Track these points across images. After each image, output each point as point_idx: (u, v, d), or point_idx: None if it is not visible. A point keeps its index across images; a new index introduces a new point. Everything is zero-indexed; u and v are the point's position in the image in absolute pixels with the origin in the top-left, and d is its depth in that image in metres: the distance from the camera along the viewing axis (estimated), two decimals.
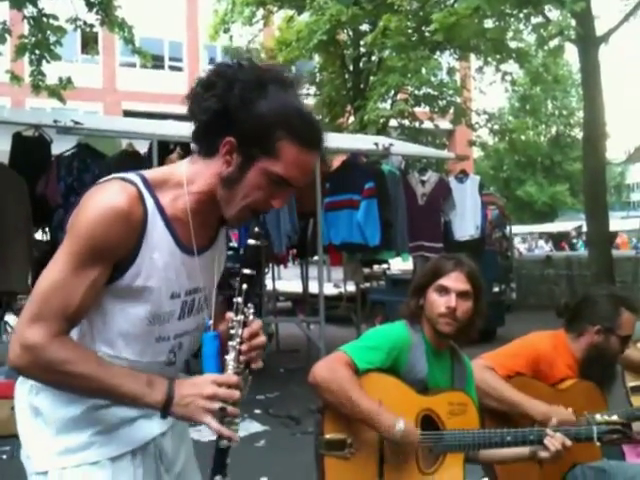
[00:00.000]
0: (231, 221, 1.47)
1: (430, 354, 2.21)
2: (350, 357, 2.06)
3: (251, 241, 1.43)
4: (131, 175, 1.40)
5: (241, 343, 1.39)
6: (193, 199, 1.43)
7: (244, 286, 1.40)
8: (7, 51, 9.73)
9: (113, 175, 1.41)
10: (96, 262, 1.33)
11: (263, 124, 1.35)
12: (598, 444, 2.28)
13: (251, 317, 1.41)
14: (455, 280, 2.19)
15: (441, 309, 2.17)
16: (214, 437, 1.39)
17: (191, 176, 1.43)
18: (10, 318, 9.30)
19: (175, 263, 1.44)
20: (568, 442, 2.19)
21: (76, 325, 1.38)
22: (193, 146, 1.49)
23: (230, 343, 1.40)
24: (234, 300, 1.40)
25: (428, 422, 2.12)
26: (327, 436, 2.05)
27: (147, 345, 1.45)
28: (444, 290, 2.19)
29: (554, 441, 2.17)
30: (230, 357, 1.39)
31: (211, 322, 1.50)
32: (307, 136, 1.38)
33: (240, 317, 1.40)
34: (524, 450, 2.21)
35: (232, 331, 1.40)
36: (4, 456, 4.73)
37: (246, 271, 1.41)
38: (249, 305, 1.41)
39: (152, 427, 1.51)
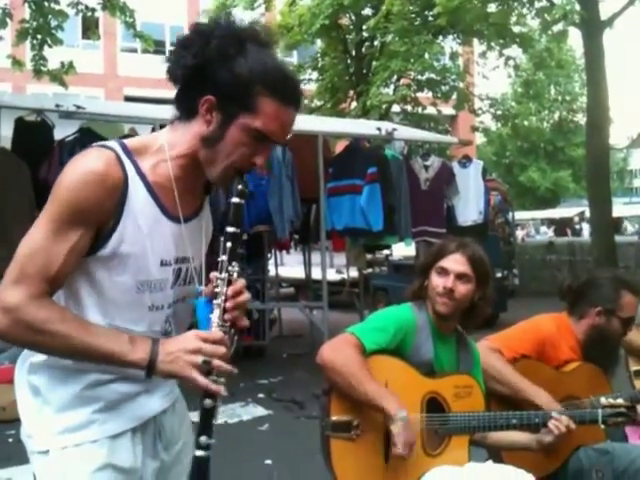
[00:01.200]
0: (216, 182, 1.46)
1: (436, 337, 2.22)
2: (357, 338, 2.07)
3: (235, 199, 1.41)
4: (111, 142, 1.41)
5: (225, 301, 1.38)
6: (175, 164, 1.43)
7: (228, 244, 1.39)
8: (8, 36, 9.67)
9: (93, 144, 1.41)
10: (76, 225, 1.33)
11: (242, 80, 1.36)
12: (602, 427, 2.29)
13: (235, 275, 1.40)
14: (454, 262, 2.20)
15: (439, 289, 2.19)
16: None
17: (172, 141, 1.44)
18: None
19: (161, 230, 1.43)
20: (573, 425, 2.20)
21: (57, 289, 1.37)
22: (173, 113, 1.48)
23: (215, 301, 1.38)
24: (219, 259, 1.39)
25: (434, 404, 2.13)
26: (333, 418, 2.05)
27: (140, 314, 1.44)
28: (443, 271, 2.21)
29: (559, 424, 2.18)
30: (215, 315, 1.38)
31: (202, 288, 1.49)
32: (286, 92, 1.40)
33: (224, 275, 1.39)
34: (531, 442, 2.23)
35: (217, 289, 1.39)
36: (10, 439, 4.76)
37: (230, 229, 1.40)
38: (233, 263, 1.40)
39: (153, 404, 1.52)
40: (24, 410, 1.46)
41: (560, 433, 2.17)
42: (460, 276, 2.18)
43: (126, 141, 1.43)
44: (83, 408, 1.42)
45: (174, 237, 1.46)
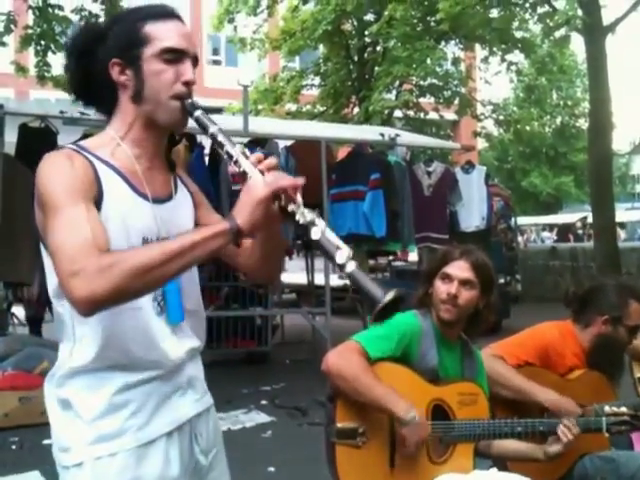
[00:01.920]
0: (171, 121, 1.45)
1: (440, 344, 2.22)
2: (362, 346, 2.08)
3: (197, 113, 1.42)
4: (66, 145, 1.45)
5: (255, 166, 1.35)
6: (129, 142, 1.46)
7: (220, 138, 1.39)
8: (11, 42, 9.71)
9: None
10: (78, 199, 1.31)
11: (124, 29, 1.44)
12: (607, 435, 2.29)
13: (247, 150, 1.38)
14: (458, 268, 2.21)
15: (443, 295, 2.20)
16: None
17: (116, 127, 1.47)
18: (18, 309, 9.34)
19: (138, 208, 1.43)
20: (576, 429, 2.20)
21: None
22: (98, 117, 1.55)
23: (249, 176, 1.34)
24: (224, 155, 1.38)
25: (439, 412, 2.13)
26: (339, 425, 2.05)
27: None
28: (447, 277, 2.21)
29: (567, 431, 2.17)
30: (255, 177, 1.33)
31: None
32: (160, 11, 1.47)
33: (236, 154, 1.36)
34: (536, 450, 2.23)
35: (242, 168, 1.35)
36: (13, 446, 4.76)
37: (212, 130, 1.40)
38: (236, 145, 1.38)
39: (187, 408, 1.51)
40: (56, 426, 1.45)
41: (567, 441, 2.17)
42: (464, 282, 2.19)
43: (79, 142, 1.46)
44: (115, 415, 1.40)
45: (154, 217, 1.45)
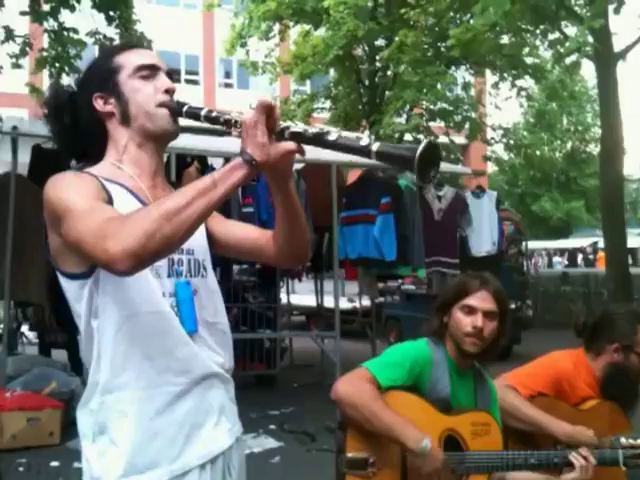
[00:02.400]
0: (162, 128, 1.49)
1: (453, 372, 2.19)
2: (372, 374, 2.05)
3: (185, 108, 1.45)
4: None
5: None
6: (127, 163, 1.50)
7: (213, 114, 1.39)
8: (26, 64, 9.84)
9: None
10: (91, 198, 1.33)
11: (97, 67, 1.55)
12: (624, 469, 2.24)
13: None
14: (482, 299, 2.16)
15: (467, 328, 2.14)
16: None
17: (113, 155, 1.51)
18: (26, 329, 9.35)
19: None
20: (593, 459, 2.16)
21: None
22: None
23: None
24: (221, 127, 1.38)
25: (451, 442, 2.09)
26: (349, 455, 2.02)
27: (152, 295, 1.42)
28: (470, 309, 2.16)
29: (579, 457, 2.13)
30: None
31: (182, 268, 1.49)
32: (125, 45, 1.62)
33: (232, 115, 1.36)
34: None
35: (237, 123, 1.34)
36: (21, 468, 4.73)
37: (203, 112, 1.41)
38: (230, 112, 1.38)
39: (221, 440, 1.50)
40: (89, 453, 1.43)
41: (581, 465, 2.12)
42: (487, 314, 2.15)
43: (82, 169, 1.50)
44: (150, 445, 1.39)
45: None
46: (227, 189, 1.29)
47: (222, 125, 1.38)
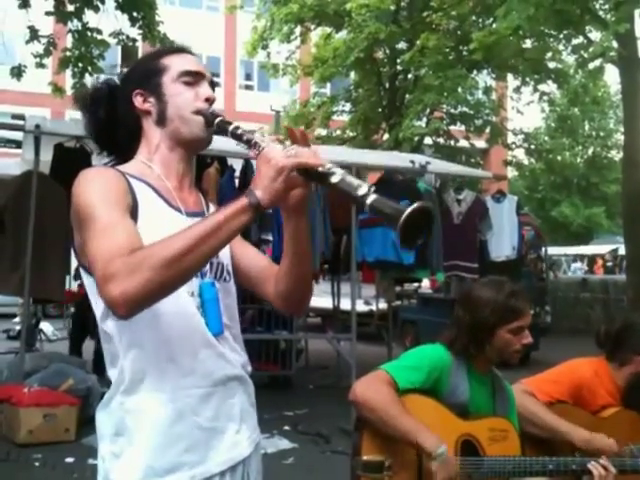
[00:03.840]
0: (196, 135, 1.50)
1: (472, 378, 2.17)
2: (391, 376, 2.03)
3: (218, 119, 1.47)
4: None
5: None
6: (157, 163, 1.51)
7: (238, 131, 1.41)
8: (49, 63, 9.94)
9: None
10: (114, 208, 1.32)
11: (143, 65, 1.56)
12: None
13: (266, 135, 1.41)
14: (528, 316, 2.17)
15: (517, 346, 2.14)
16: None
17: (144, 154, 1.53)
18: (45, 325, 9.45)
19: (170, 219, 1.44)
20: (612, 469, 2.13)
21: None
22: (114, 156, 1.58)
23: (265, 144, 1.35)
24: (245, 146, 1.40)
25: (468, 447, 2.07)
26: (365, 457, 2.01)
27: (178, 294, 1.37)
28: (521, 329, 2.14)
29: (598, 466, 2.11)
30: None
31: (206, 269, 1.48)
32: (173, 48, 1.60)
33: (255, 138, 1.38)
34: None
35: (262, 145, 1.35)
36: (37, 463, 4.76)
37: (231, 127, 1.43)
38: (253, 132, 1.43)
39: (242, 448, 1.48)
40: (107, 453, 1.41)
41: (599, 474, 2.10)
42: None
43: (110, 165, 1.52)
44: (170, 448, 1.37)
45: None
46: (230, 235, 1.28)
47: (245, 144, 1.40)
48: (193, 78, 1.52)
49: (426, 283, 9.66)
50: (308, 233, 1.51)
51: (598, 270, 24.05)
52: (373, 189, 1.24)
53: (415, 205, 1.18)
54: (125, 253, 1.22)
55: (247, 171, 6.58)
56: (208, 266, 1.49)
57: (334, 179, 1.27)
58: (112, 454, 1.39)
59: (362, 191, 1.23)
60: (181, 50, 1.58)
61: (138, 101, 1.52)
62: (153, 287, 1.20)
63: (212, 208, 1.60)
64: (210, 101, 1.51)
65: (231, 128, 1.43)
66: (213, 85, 1.57)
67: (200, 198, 1.60)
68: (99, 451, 1.43)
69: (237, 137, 1.41)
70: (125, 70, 1.61)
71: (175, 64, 1.53)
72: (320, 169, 1.28)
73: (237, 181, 6.51)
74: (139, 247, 1.25)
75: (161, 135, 1.52)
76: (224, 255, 1.55)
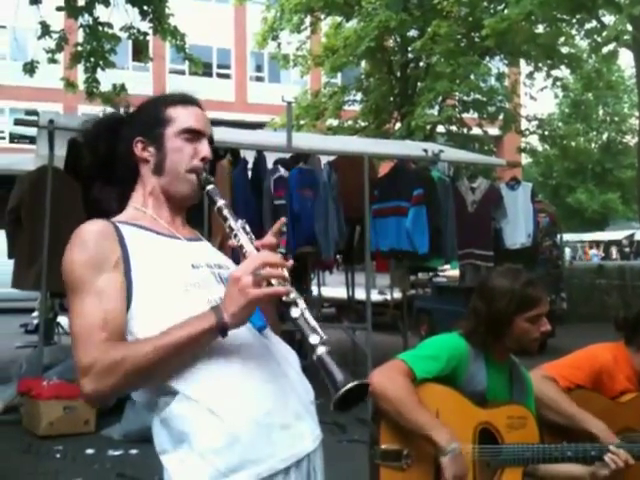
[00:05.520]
0: (187, 193, 1.57)
1: (490, 366, 2.16)
2: (408, 366, 2.03)
3: (209, 187, 1.54)
4: None
5: (252, 242, 1.45)
6: (151, 205, 1.57)
7: (225, 212, 1.48)
8: (61, 58, 9.98)
9: None
10: (97, 274, 1.40)
11: (148, 112, 1.61)
12: None
13: (247, 226, 1.47)
14: (545, 304, 2.16)
15: (536, 335, 2.14)
16: None
17: (137, 200, 1.59)
18: (63, 319, 9.53)
19: (171, 246, 1.51)
20: (631, 460, 2.12)
21: (120, 331, 1.39)
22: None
23: (244, 251, 1.43)
24: (226, 227, 1.47)
25: (486, 435, 2.07)
26: (383, 446, 2.01)
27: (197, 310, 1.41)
28: (539, 317, 2.14)
29: (616, 458, 2.10)
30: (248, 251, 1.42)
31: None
32: (181, 98, 1.63)
33: (237, 228, 1.46)
34: (584, 473, 2.16)
35: (239, 242, 1.44)
36: (58, 455, 4.82)
37: (220, 203, 1.50)
38: (238, 221, 1.47)
39: (306, 442, 1.45)
40: (170, 459, 1.39)
41: (617, 468, 2.09)
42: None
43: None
44: (232, 448, 1.35)
45: (191, 248, 1.55)
46: (194, 348, 1.37)
47: (225, 224, 1.48)
48: (194, 135, 1.57)
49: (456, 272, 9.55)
50: (275, 321, 1.59)
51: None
52: (325, 339, 1.30)
53: (356, 383, 1.24)
54: (101, 340, 1.35)
55: (259, 163, 6.59)
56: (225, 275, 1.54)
57: (293, 313, 1.33)
58: (177, 460, 1.38)
59: (314, 340, 1.30)
60: (189, 101, 1.62)
61: (138, 148, 1.57)
62: (121, 388, 1.37)
63: (204, 242, 1.67)
64: (206, 160, 1.57)
65: (218, 204, 1.51)
66: (212, 142, 1.62)
67: (194, 232, 1.66)
68: (163, 462, 1.41)
69: (222, 216, 1.50)
70: (130, 111, 1.66)
71: (180, 118, 1.57)
72: (284, 298, 1.34)
73: (250, 173, 6.53)
74: (114, 322, 1.37)
75: (156, 183, 1.57)
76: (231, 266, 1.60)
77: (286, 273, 1.36)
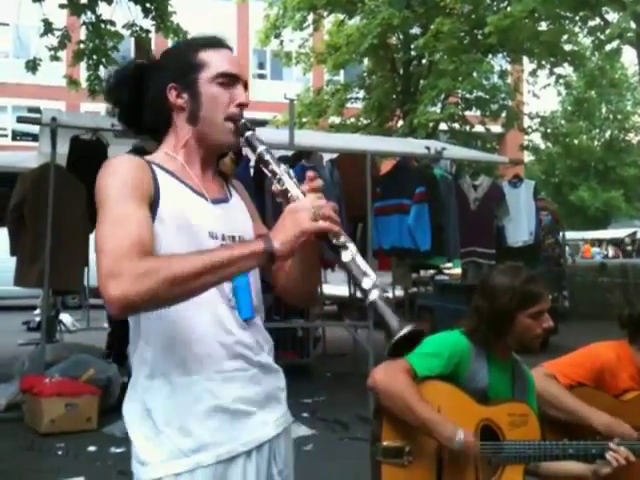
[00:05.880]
0: (224, 142, 1.52)
1: (492, 363, 2.16)
2: (410, 363, 2.03)
3: (248, 133, 1.48)
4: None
5: (299, 187, 1.39)
6: (183, 154, 1.52)
7: (267, 157, 1.43)
8: (64, 56, 9.97)
9: None
10: (131, 199, 1.34)
11: (179, 56, 1.54)
12: None
13: (291, 171, 1.42)
14: (547, 300, 2.16)
15: (538, 331, 2.14)
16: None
17: (170, 146, 1.54)
18: (65, 317, 9.55)
19: (198, 205, 1.47)
20: (632, 457, 2.12)
21: (148, 254, 1.30)
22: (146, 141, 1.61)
23: (289, 195, 1.37)
24: (269, 174, 1.41)
25: (488, 432, 2.07)
26: (385, 443, 2.01)
27: None
28: (541, 314, 2.13)
29: (617, 456, 2.10)
30: (297, 196, 1.36)
31: None
32: (212, 41, 1.56)
33: (280, 172, 1.40)
34: (586, 470, 2.16)
35: (284, 186, 1.38)
36: (60, 452, 4.83)
37: (261, 148, 1.44)
38: (281, 166, 1.42)
39: (268, 428, 1.50)
40: (137, 435, 1.43)
41: (619, 465, 2.09)
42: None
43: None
44: (195, 430, 1.40)
45: (214, 214, 1.49)
46: (239, 271, 1.32)
47: (269, 172, 1.42)
48: (230, 80, 1.51)
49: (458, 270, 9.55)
50: (317, 261, 1.56)
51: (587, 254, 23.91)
52: (377, 282, 1.27)
53: (408, 328, 1.21)
54: (132, 254, 1.24)
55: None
56: None
57: (344, 257, 1.30)
58: (143, 436, 1.41)
59: (366, 284, 1.27)
60: (219, 44, 1.56)
61: (172, 95, 1.51)
62: (153, 298, 1.23)
63: (234, 194, 1.62)
64: (243, 106, 1.51)
65: (259, 149, 1.44)
66: (246, 85, 1.56)
67: (223, 185, 1.61)
68: (130, 435, 1.45)
69: (263, 161, 1.43)
70: (159, 57, 1.59)
71: (213, 62, 1.51)
72: (335, 241, 1.31)
73: (252, 171, 6.52)
74: (148, 246, 1.29)
75: (190, 132, 1.52)
76: (251, 238, 1.56)
77: (338, 218, 1.34)
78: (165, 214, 1.40)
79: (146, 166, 1.43)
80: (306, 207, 1.32)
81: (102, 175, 1.40)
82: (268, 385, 1.52)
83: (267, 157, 1.43)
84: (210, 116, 1.49)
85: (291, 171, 1.42)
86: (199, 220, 1.45)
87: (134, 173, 1.39)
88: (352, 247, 1.31)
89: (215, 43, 1.55)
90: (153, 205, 1.39)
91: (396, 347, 1.22)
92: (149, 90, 1.52)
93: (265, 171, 1.42)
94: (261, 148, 1.44)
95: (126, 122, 1.58)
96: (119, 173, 1.38)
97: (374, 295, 1.26)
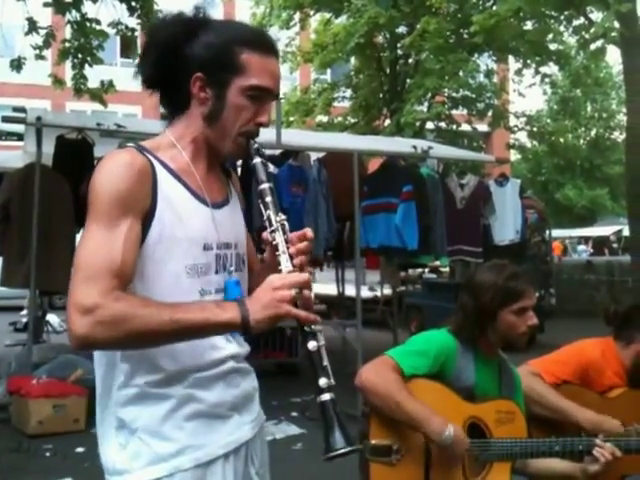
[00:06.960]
0: (230, 154, 1.48)
1: (478, 361, 2.18)
2: (396, 362, 2.04)
3: (256, 159, 1.44)
4: (128, 145, 1.44)
5: (288, 248, 1.36)
6: (189, 151, 1.46)
7: (268, 199, 1.39)
8: (49, 55, 9.91)
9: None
10: (123, 215, 1.30)
11: (221, 46, 1.40)
12: None
13: (286, 224, 1.39)
14: (531, 297, 2.16)
15: (523, 328, 2.14)
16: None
17: (178, 134, 1.47)
18: (51, 317, 9.49)
19: (197, 212, 1.43)
20: (618, 452, 2.15)
21: (128, 282, 1.30)
22: (164, 115, 1.53)
23: (277, 253, 1.36)
24: (264, 215, 1.39)
25: (475, 430, 2.09)
26: (373, 442, 2.02)
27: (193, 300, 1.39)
28: (524, 310, 2.14)
29: (604, 452, 2.13)
30: (283, 261, 1.35)
31: (232, 268, 1.49)
32: (263, 43, 1.43)
33: (276, 225, 1.38)
34: (575, 469, 2.18)
35: (275, 242, 1.37)
36: (47, 453, 4.81)
37: (264, 186, 1.41)
38: (279, 214, 1.39)
39: (244, 431, 1.51)
40: (109, 445, 1.40)
41: (606, 461, 2.12)
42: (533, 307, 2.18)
43: (140, 143, 1.45)
44: (173, 435, 1.38)
45: (213, 222, 1.45)
46: (207, 335, 1.33)
47: (262, 206, 1.39)
48: (261, 94, 1.42)
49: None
50: None
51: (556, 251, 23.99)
52: (332, 385, 1.27)
53: (351, 448, 1.23)
54: (109, 283, 1.24)
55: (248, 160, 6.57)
56: (232, 258, 1.50)
57: (310, 345, 1.29)
58: (118, 445, 1.39)
59: (323, 383, 1.26)
60: (267, 49, 1.43)
61: (195, 86, 1.41)
62: (116, 346, 1.29)
63: (234, 193, 1.61)
64: (262, 126, 1.45)
65: (262, 186, 1.41)
66: (277, 97, 1.48)
67: (225, 184, 1.58)
68: (101, 446, 1.42)
69: (263, 202, 1.40)
70: (198, 21, 1.45)
71: (254, 71, 1.40)
72: (306, 328, 1.30)
73: (239, 170, 6.50)
74: (129, 271, 1.28)
75: (203, 130, 1.45)
76: (241, 245, 1.56)
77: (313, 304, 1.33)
78: (157, 229, 1.36)
79: (146, 170, 1.37)
80: (287, 286, 1.29)
81: (98, 174, 1.35)
82: (245, 387, 1.53)
83: (268, 199, 1.39)
84: (227, 125, 1.42)
85: (286, 224, 1.39)
86: (195, 232, 1.42)
87: (130, 184, 1.33)
88: (321, 338, 1.31)
89: (264, 46, 1.43)
90: (148, 216, 1.35)
91: (331, 458, 1.23)
92: (183, 62, 1.41)
93: (261, 208, 1.39)
94: (265, 185, 1.41)
95: (150, 83, 1.47)
96: (115, 180, 1.33)
97: (326, 397, 1.26)
